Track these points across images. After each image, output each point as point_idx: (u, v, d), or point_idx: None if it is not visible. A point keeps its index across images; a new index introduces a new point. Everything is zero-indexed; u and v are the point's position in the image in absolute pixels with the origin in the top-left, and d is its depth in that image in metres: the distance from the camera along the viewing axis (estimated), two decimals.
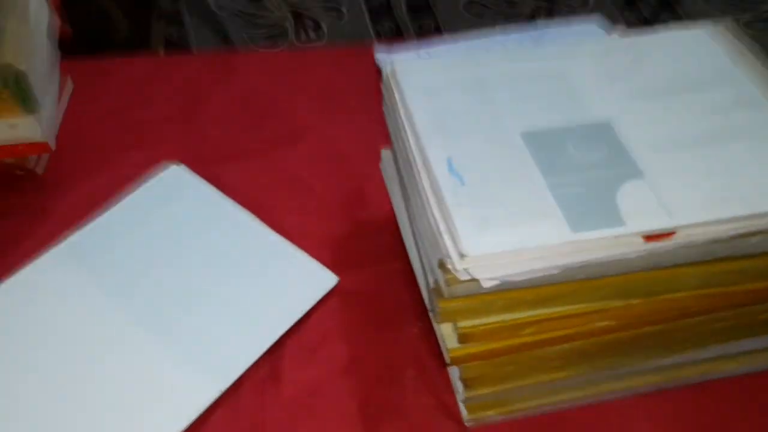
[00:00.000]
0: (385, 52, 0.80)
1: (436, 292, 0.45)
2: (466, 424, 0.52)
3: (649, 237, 0.43)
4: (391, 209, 0.60)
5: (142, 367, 0.52)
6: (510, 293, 0.44)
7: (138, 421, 0.50)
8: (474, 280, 0.42)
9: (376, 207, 0.64)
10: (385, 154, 0.60)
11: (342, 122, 0.72)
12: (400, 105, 0.50)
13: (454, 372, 0.52)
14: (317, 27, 1.61)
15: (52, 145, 0.60)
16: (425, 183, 0.46)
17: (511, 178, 0.45)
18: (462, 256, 0.41)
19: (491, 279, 0.41)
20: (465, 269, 0.41)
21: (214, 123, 0.71)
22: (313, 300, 0.57)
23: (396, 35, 1.61)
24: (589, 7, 1.74)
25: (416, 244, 0.52)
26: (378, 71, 0.78)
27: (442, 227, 0.43)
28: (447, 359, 0.47)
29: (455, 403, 0.53)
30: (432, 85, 0.52)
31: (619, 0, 1.77)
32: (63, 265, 0.57)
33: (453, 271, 0.42)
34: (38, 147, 0.59)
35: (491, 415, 0.52)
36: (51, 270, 0.57)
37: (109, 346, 0.53)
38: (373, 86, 0.77)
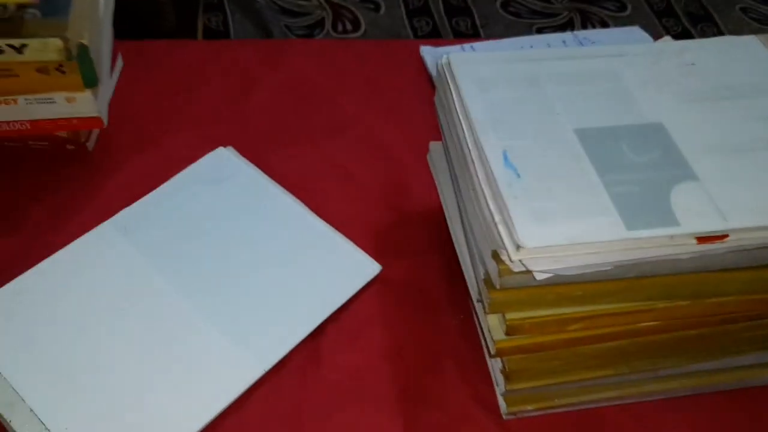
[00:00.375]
0: (430, 48, 0.80)
1: (487, 282, 0.45)
2: (504, 417, 0.53)
3: (702, 239, 0.43)
4: (435, 201, 0.61)
5: (187, 343, 0.53)
6: (560, 288, 0.45)
7: (181, 396, 0.51)
8: (527, 272, 0.42)
9: (420, 198, 0.65)
10: (434, 146, 0.60)
11: (387, 114, 0.73)
12: (455, 96, 0.51)
13: (495, 364, 0.52)
14: (354, 20, 1.62)
15: (105, 121, 0.61)
16: (480, 175, 0.46)
17: (565, 174, 0.46)
18: (518, 247, 0.41)
19: (545, 272, 0.42)
20: (520, 261, 0.42)
21: (262, 108, 0.72)
22: (356, 287, 0.58)
23: (432, 32, 1.61)
24: (625, 15, 1.73)
25: (466, 235, 0.52)
26: (423, 66, 0.79)
27: (498, 219, 0.43)
28: (492, 350, 0.48)
29: (493, 396, 0.53)
30: (486, 79, 0.52)
31: (658, 10, 1.75)
32: (111, 239, 0.58)
33: (507, 262, 0.42)
34: (92, 122, 0.60)
35: (529, 409, 0.52)
36: (99, 244, 0.58)
37: (154, 320, 0.54)
38: (417, 80, 0.77)
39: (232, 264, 0.58)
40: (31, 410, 0.49)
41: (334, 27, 1.59)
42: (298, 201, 0.62)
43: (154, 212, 0.60)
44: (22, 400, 0.49)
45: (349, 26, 1.60)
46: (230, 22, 1.56)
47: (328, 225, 0.61)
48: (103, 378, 0.51)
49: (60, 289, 0.55)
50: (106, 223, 0.59)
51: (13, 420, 0.48)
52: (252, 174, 0.64)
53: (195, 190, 0.62)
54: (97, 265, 0.57)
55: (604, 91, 0.52)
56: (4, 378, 0.50)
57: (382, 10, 1.66)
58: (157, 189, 0.62)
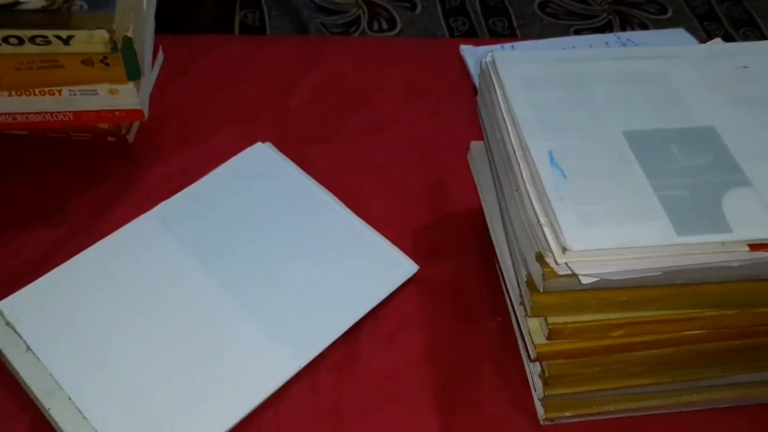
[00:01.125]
0: (470, 47, 0.80)
1: (530, 285, 0.44)
2: (541, 423, 0.52)
3: (755, 246, 0.42)
4: (475, 201, 0.60)
5: (223, 337, 0.53)
6: (605, 292, 0.44)
7: (217, 390, 0.50)
8: (572, 275, 0.41)
9: (458, 199, 0.64)
10: (475, 146, 0.60)
11: (426, 113, 0.72)
12: (499, 95, 0.50)
13: (533, 369, 0.51)
14: (390, 19, 1.61)
15: (146, 114, 0.61)
16: (525, 175, 0.45)
17: (613, 176, 0.45)
18: (564, 250, 0.41)
19: (591, 276, 0.41)
20: (565, 263, 0.41)
21: (301, 105, 0.71)
22: (393, 286, 0.57)
23: (469, 32, 1.60)
24: (666, 18, 1.70)
25: (507, 236, 0.51)
26: (462, 64, 0.78)
27: (543, 220, 0.42)
28: (532, 355, 0.47)
29: (531, 401, 0.52)
30: (532, 78, 0.51)
31: (700, 14, 1.72)
32: (150, 231, 0.58)
33: (552, 265, 0.41)
34: (134, 114, 0.60)
35: (567, 415, 0.51)
36: (139, 235, 0.58)
37: (192, 313, 0.54)
38: (457, 79, 0.77)
39: (270, 259, 0.58)
40: (69, 398, 0.49)
41: (370, 25, 1.59)
42: (335, 198, 0.62)
43: (193, 205, 0.61)
44: (61, 388, 0.49)
45: (384, 25, 1.60)
46: (266, 19, 1.57)
47: (365, 223, 0.60)
48: (140, 368, 0.51)
49: (99, 279, 0.56)
50: (145, 215, 0.59)
51: (52, 408, 0.48)
52: (290, 170, 0.64)
53: (233, 185, 0.62)
54: (135, 257, 0.57)
55: (653, 93, 0.50)
56: (44, 365, 0.50)
57: (418, 9, 1.65)
58: (196, 183, 0.62)
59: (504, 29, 1.64)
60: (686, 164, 0.46)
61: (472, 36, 1.61)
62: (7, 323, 0.52)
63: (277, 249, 0.58)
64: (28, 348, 0.51)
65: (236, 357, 0.52)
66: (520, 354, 0.54)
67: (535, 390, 0.51)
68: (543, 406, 0.51)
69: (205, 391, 0.50)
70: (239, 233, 0.59)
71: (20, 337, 0.52)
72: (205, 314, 0.54)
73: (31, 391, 0.49)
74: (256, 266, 0.57)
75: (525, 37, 1.32)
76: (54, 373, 0.50)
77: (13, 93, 0.57)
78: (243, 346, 0.53)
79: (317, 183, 0.63)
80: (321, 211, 0.61)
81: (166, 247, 0.57)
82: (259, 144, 0.66)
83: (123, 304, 0.54)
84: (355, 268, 0.58)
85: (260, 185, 0.62)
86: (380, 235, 0.60)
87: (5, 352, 0.51)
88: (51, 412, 0.48)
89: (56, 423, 0.48)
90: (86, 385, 0.50)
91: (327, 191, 0.62)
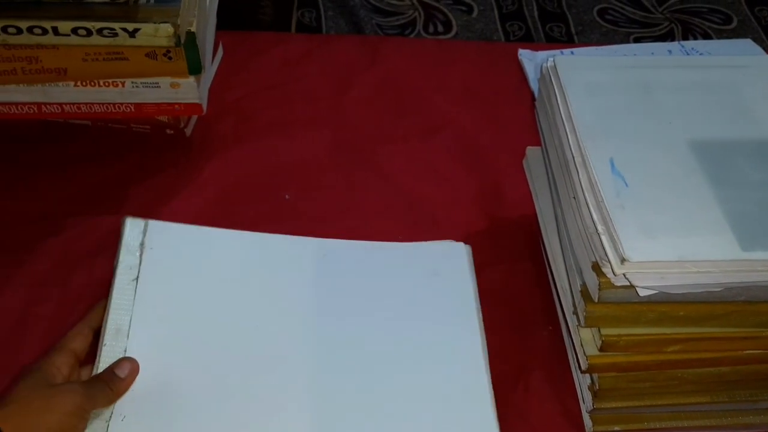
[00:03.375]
0: (528, 51, 0.79)
1: (584, 295, 0.43)
2: None
3: None
4: (528, 208, 0.59)
5: (274, 406, 0.48)
6: (663, 306, 0.43)
7: None
8: (630, 286, 0.40)
9: (512, 204, 0.63)
10: (531, 151, 0.59)
11: (482, 116, 0.71)
12: (559, 100, 0.49)
13: (583, 380, 0.50)
14: (446, 22, 1.60)
15: (205, 108, 0.62)
16: (584, 182, 0.44)
17: (676, 186, 0.44)
18: (623, 260, 0.40)
19: (649, 288, 0.40)
20: (623, 274, 0.40)
21: (358, 104, 0.71)
22: None
23: (525, 37, 1.58)
24: (730, 29, 1.66)
25: (562, 244, 0.50)
26: (520, 69, 0.77)
27: (601, 229, 0.42)
28: (583, 366, 0.46)
29: (579, 412, 0.51)
30: (594, 83, 0.50)
31: (766, 25, 1.67)
32: (305, 254, 0.55)
33: (609, 275, 0.40)
34: (193, 108, 0.61)
35: (616, 429, 0.50)
36: (293, 250, 0.55)
37: (271, 355, 0.50)
38: (514, 83, 0.76)
39: (377, 364, 0.50)
40: (125, 350, 0.46)
41: (426, 28, 1.58)
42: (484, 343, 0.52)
43: (357, 262, 0.55)
44: (127, 336, 0.47)
45: (440, 28, 1.59)
46: (323, 19, 1.58)
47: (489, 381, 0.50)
48: (201, 395, 0.47)
49: (237, 264, 0.53)
50: (312, 239, 0.56)
51: (107, 344, 0.46)
52: (463, 285, 0.55)
53: (408, 272, 0.55)
54: (277, 266, 0.54)
55: (722, 104, 0.49)
56: (132, 303, 0.48)
57: (475, 13, 1.64)
58: (379, 244, 0.57)
59: (561, 35, 1.61)
60: (754, 177, 0.44)
61: (529, 41, 1.59)
62: (142, 244, 0.50)
63: (390, 357, 0.51)
64: (137, 278, 0.49)
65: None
66: (569, 364, 0.53)
67: (584, 402, 0.50)
68: (591, 418, 0.50)
69: None
70: (375, 318, 0.52)
71: (139, 264, 0.50)
72: (278, 365, 0.49)
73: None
74: (365, 355, 0.51)
75: (583, 44, 1.30)
76: (134, 318, 0.47)
77: (79, 83, 0.58)
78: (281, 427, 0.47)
79: (479, 318, 0.53)
80: (458, 343, 0.52)
81: (305, 278, 0.53)
82: (456, 243, 0.57)
83: (231, 301, 0.51)
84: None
85: (429, 283, 0.55)
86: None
87: (119, 268, 0.49)
88: (104, 349, 0.46)
89: (99, 357, 0.46)
90: (151, 345, 0.47)
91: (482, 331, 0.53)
